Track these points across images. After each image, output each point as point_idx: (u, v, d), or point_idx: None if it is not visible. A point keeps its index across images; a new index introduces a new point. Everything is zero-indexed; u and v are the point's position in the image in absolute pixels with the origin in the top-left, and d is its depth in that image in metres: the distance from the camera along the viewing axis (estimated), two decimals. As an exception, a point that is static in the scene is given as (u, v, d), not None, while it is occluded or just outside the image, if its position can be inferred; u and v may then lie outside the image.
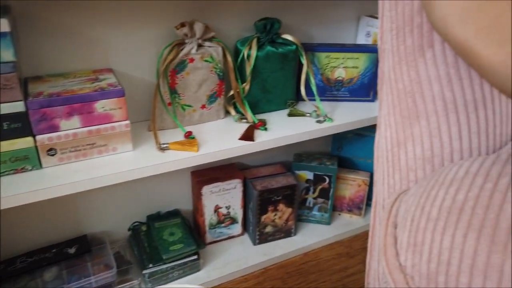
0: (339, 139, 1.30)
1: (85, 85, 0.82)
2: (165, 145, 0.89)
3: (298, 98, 1.13)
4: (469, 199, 0.27)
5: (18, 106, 0.73)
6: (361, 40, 1.21)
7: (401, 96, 0.41)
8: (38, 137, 0.77)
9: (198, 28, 0.91)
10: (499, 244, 0.24)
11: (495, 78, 0.25)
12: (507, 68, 0.24)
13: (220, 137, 0.95)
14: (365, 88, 1.14)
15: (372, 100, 1.17)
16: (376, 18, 1.15)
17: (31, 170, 0.79)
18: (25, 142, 0.76)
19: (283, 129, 0.99)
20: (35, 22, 0.82)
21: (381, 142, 0.46)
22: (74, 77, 0.86)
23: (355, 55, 1.10)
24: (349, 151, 1.30)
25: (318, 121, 1.03)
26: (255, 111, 1.06)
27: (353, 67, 1.12)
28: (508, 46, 0.24)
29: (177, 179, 1.14)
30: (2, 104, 0.72)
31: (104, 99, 0.80)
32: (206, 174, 1.12)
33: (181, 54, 0.91)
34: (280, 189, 1.11)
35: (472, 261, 0.25)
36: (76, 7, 0.85)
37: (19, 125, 0.74)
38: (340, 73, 1.13)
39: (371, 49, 1.10)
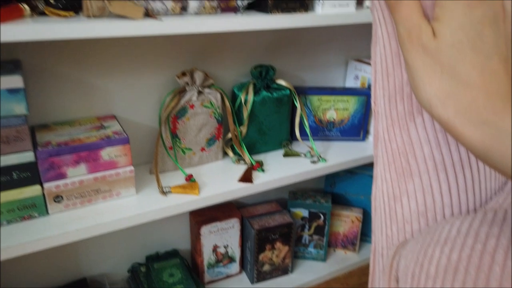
0: (332, 176, 1.35)
1: (91, 133, 0.85)
2: (167, 189, 0.92)
3: (293, 138, 1.18)
4: (462, 259, 0.31)
5: (27, 156, 0.76)
6: (350, 82, 1.28)
7: (395, 156, 0.45)
8: (46, 185, 0.79)
9: (198, 76, 0.96)
10: None
11: (476, 153, 0.30)
12: (484, 147, 0.28)
13: (220, 179, 0.99)
14: (356, 128, 1.20)
15: (363, 139, 1.22)
16: (363, 62, 1.23)
17: (37, 217, 0.81)
18: (33, 191, 0.78)
19: (279, 170, 1.03)
20: (41, 73, 0.87)
21: (378, 194, 0.50)
22: (80, 124, 0.89)
23: (345, 97, 1.17)
24: (342, 187, 1.34)
25: (313, 162, 1.08)
26: (252, 152, 1.10)
27: (343, 109, 1.18)
28: (484, 127, 0.29)
29: (175, 219, 1.16)
30: (12, 155, 0.74)
31: (110, 146, 0.84)
32: (204, 214, 1.15)
33: (182, 101, 0.96)
34: (277, 228, 1.14)
35: None
36: (79, 58, 0.89)
37: (28, 175, 0.77)
38: (331, 115, 1.19)
39: (360, 92, 1.16)
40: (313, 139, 1.19)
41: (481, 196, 0.42)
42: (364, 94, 1.16)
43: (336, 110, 1.18)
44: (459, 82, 0.30)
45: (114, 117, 0.95)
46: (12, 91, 0.71)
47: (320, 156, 1.10)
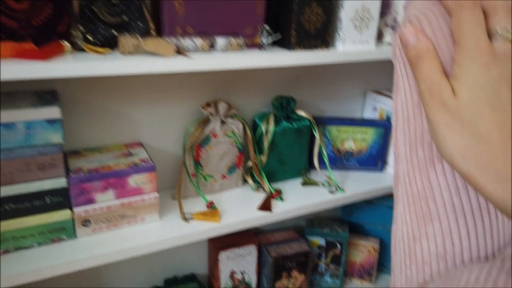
0: (350, 205, 1.36)
1: (120, 160, 0.89)
2: (189, 215, 0.95)
3: (311, 167, 1.20)
4: None
5: (60, 182, 0.80)
6: (368, 113, 1.30)
7: (415, 199, 0.47)
8: (76, 210, 0.83)
9: (222, 107, 1.00)
10: None
11: (496, 205, 0.32)
12: (504, 200, 0.30)
13: (239, 207, 1.01)
14: (374, 159, 1.22)
15: (381, 170, 1.23)
16: (382, 94, 1.25)
17: (66, 240, 0.84)
18: (63, 215, 0.82)
19: (298, 199, 1.05)
20: (74, 102, 0.92)
21: (398, 234, 0.52)
22: (109, 151, 0.94)
23: (363, 129, 1.19)
24: (359, 217, 1.35)
25: (331, 192, 1.09)
26: (271, 180, 1.12)
27: (361, 139, 1.20)
28: (504, 183, 0.31)
29: (194, 243, 1.19)
30: (46, 181, 0.79)
31: (137, 174, 0.87)
32: (222, 240, 1.17)
33: (206, 131, 1.00)
34: (294, 256, 1.15)
35: None
36: (110, 89, 0.94)
37: (60, 199, 0.81)
38: (349, 145, 1.21)
39: (378, 124, 1.18)
40: (331, 169, 1.21)
41: (499, 242, 0.43)
42: (382, 125, 1.18)
43: (354, 140, 1.20)
44: (479, 139, 0.32)
45: (141, 144, 0.99)
46: (50, 121, 0.75)
47: (338, 186, 1.11)
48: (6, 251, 0.79)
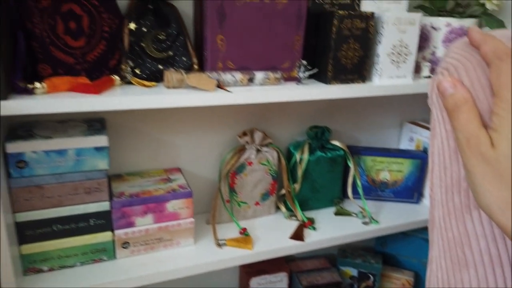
0: (384, 235, 1.33)
1: (159, 186, 0.93)
2: (222, 241, 0.97)
3: (345, 195, 1.20)
4: None
5: (104, 206, 0.85)
6: (405, 144, 1.29)
7: (451, 244, 0.47)
8: (117, 232, 0.87)
9: (258, 136, 1.03)
10: None
11: None
12: None
13: (272, 234, 1.02)
14: (410, 190, 1.20)
15: (417, 202, 1.21)
16: (419, 125, 1.24)
17: (106, 260, 0.88)
18: (105, 236, 0.87)
19: (330, 229, 1.05)
20: (118, 129, 0.97)
21: (433, 279, 0.51)
22: (149, 176, 0.98)
23: (399, 160, 1.18)
24: (393, 248, 1.32)
25: (364, 223, 1.09)
26: (304, 208, 1.13)
27: (397, 170, 1.19)
28: None
29: (226, 268, 1.20)
30: (92, 204, 0.84)
31: (175, 199, 0.91)
32: (254, 266, 1.18)
33: (241, 159, 1.02)
34: (326, 286, 1.15)
35: None
36: (153, 117, 0.99)
37: (103, 222, 0.86)
38: (385, 176, 1.20)
39: (415, 155, 1.17)
40: (365, 198, 1.20)
41: None
42: (419, 157, 1.17)
43: (389, 171, 1.19)
44: None
45: (179, 170, 1.03)
46: (98, 149, 0.81)
47: (372, 218, 1.10)
48: (51, 269, 0.84)
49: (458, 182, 0.43)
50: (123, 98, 0.73)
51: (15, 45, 0.69)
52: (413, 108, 1.29)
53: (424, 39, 1.06)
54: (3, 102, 0.65)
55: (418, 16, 0.93)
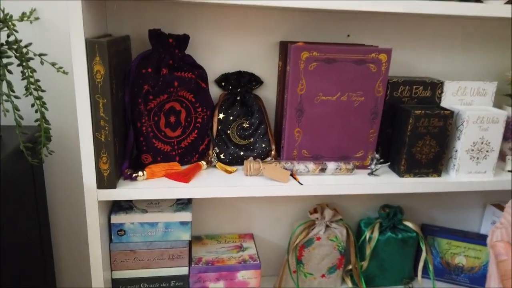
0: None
1: (232, 254, 1.02)
2: (286, 313, 1.03)
3: (416, 275, 1.18)
4: None
5: (183, 271, 0.96)
6: (486, 228, 1.22)
7: None
8: (193, 295, 0.98)
9: (328, 213, 1.07)
10: None
11: None
12: None
13: (335, 311, 1.05)
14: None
15: (495, 293, 1.14)
16: (502, 209, 1.17)
17: (181, 318, 0.99)
18: (183, 297, 0.98)
19: (396, 314, 1.05)
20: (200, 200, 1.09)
21: None
22: (225, 241, 1.08)
23: (478, 247, 1.13)
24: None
25: (433, 311, 1.06)
26: (370, 285, 1.14)
27: (475, 257, 1.14)
28: None
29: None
30: (173, 268, 0.95)
31: (245, 270, 0.99)
32: (316, 333, 1.21)
33: (311, 234, 1.08)
34: None
35: None
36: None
37: (181, 284, 0.97)
38: (460, 260, 1.15)
39: (496, 245, 1.11)
40: (439, 280, 1.16)
41: None
42: (500, 247, 1.10)
43: (466, 256, 1.14)
44: None
45: (251, 236, 1.12)
46: (183, 223, 0.92)
47: (442, 307, 1.07)
48: (136, 319, 0.97)
49: None
50: (208, 189, 0.83)
51: (125, 140, 0.84)
52: (497, 190, 1.22)
53: (507, 130, 1.01)
54: (113, 190, 0.79)
55: (502, 114, 0.90)
